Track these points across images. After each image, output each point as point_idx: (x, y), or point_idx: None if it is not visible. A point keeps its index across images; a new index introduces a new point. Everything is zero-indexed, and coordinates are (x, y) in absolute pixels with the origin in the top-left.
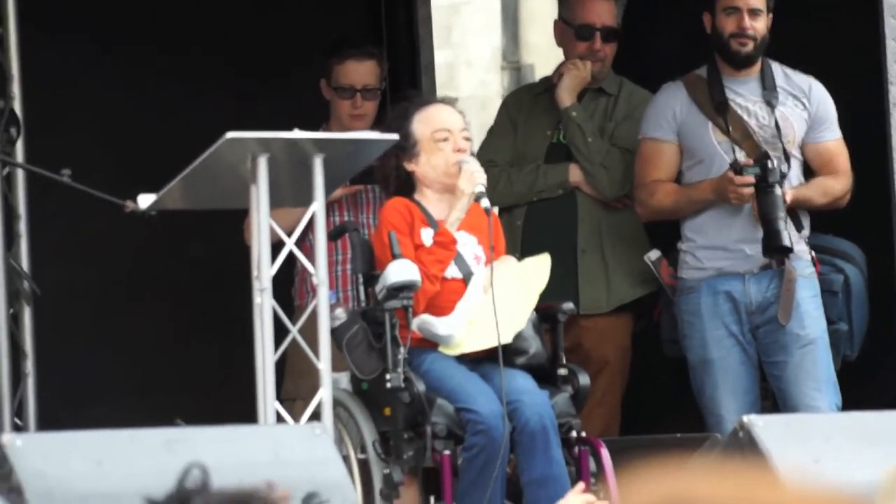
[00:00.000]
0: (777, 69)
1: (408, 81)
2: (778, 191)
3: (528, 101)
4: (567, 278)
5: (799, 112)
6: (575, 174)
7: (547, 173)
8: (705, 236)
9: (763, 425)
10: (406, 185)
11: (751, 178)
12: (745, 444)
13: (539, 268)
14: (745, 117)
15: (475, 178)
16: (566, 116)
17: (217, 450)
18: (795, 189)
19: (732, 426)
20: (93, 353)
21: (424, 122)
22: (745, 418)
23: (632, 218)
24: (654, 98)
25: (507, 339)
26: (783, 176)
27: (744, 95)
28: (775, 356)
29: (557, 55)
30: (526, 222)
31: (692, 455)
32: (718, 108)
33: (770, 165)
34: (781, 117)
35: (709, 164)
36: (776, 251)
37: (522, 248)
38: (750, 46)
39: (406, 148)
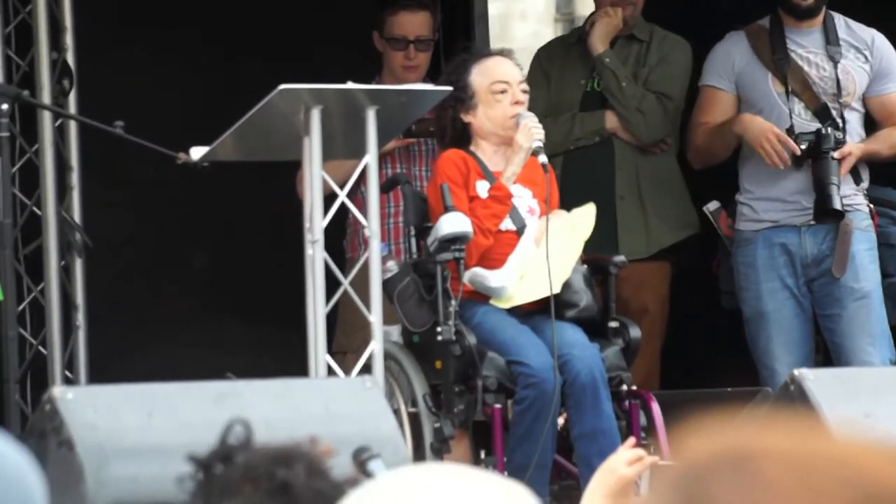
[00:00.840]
0: (840, 20)
1: (461, 33)
2: (832, 157)
3: (560, 52)
4: (606, 225)
5: (860, 65)
6: (611, 120)
7: (583, 121)
8: (762, 187)
9: (814, 379)
10: (462, 137)
11: (783, 151)
12: (795, 398)
13: (585, 217)
14: (806, 68)
15: (533, 133)
16: (600, 63)
17: (267, 403)
18: (864, 143)
19: (784, 380)
20: (144, 305)
21: (483, 74)
22: (797, 372)
23: (669, 163)
24: (715, 47)
25: (556, 289)
26: (838, 142)
27: (806, 47)
28: (829, 309)
29: None
30: (563, 171)
31: (742, 409)
32: (778, 60)
33: (824, 132)
34: (843, 70)
35: (767, 115)
36: (827, 215)
37: (561, 197)
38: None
39: (464, 99)
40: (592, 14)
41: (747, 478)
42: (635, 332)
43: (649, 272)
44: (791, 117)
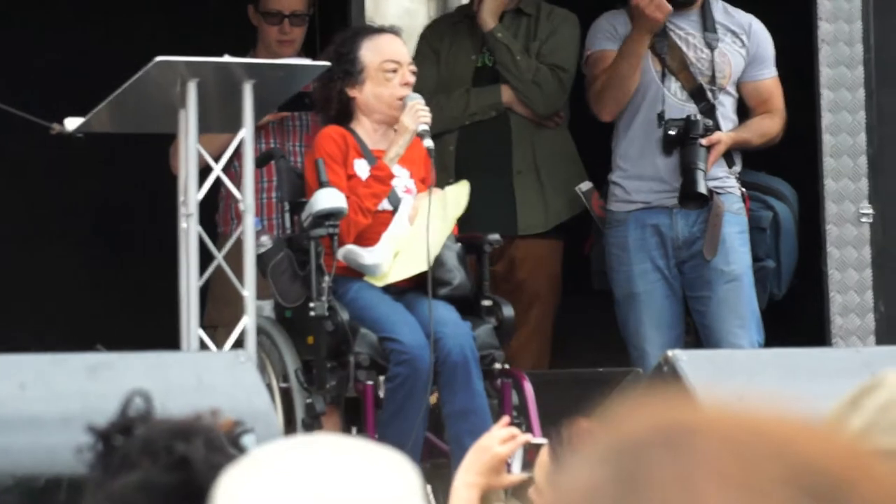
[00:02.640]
0: (717, 5)
1: (335, 9)
2: (700, 143)
3: (448, 30)
4: (504, 200)
5: (737, 49)
6: (507, 94)
7: (478, 96)
8: (634, 166)
9: (687, 360)
10: (344, 112)
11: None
12: (668, 379)
13: (458, 194)
14: (684, 48)
15: (420, 116)
16: (492, 38)
17: (140, 376)
18: (734, 132)
19: (656, 361)
20: (15, 277)
21: (374, 51)
22: (670, 353)
23: (565, 137)
24: (595, 22)
25: (426, 266)
26: (707, 129)
27: (684, 28)
28: (699, 291)
29: None
30: (459, 146)
31: (613, 389)
32: (658, 39)
33: (693, 118)
34: (719, 53)
35: (643, 91)
36: (691, 198)
37: (457, 172)
38: None
39: (352, 73)
40: None
41: (682, 453)
42: (508, 310)
43: (545, 251)
44: (664, 98)
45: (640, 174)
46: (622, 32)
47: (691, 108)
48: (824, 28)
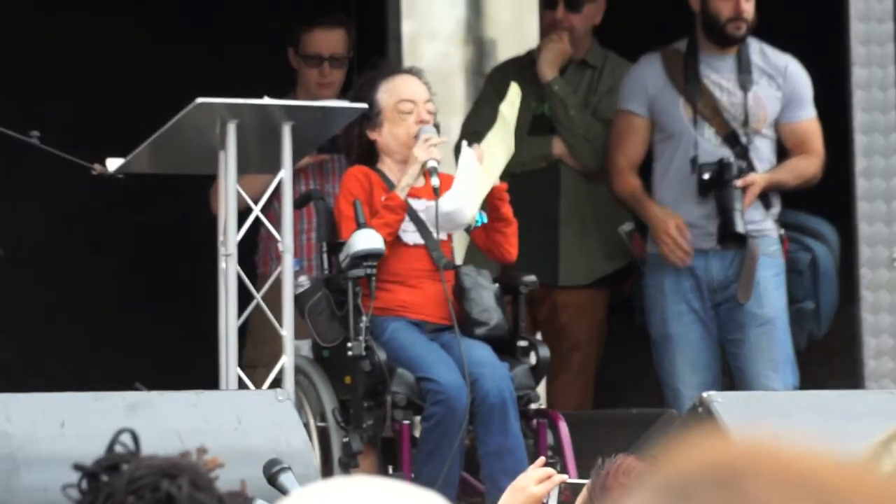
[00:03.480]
0: (754, 46)
1: (375, 51)
2: (735, 185)
3: (513, 74)
4: (548, 250)
5: (773, 92)
6: (558, 147)
7: (530, 145)
8: (671, 210)
9: (722, 401)
10: (368, 154)
11: (682, 242)
12: (704, 420)
13: (512, 100)
14: (717, 93)
15: (431, 150)
16: (548, 90)
17: (179, 415)
18: (769, 173)
19: (690, 401)
20: (54, 315)
21: (389, 93)
22: (705, 394)
23: None
24: (630, 69)
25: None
26: (741, 171)
27: (719, 72)
28: (733, 334)
29: (521, 29)
30: (509, 194)
31: (647, 430)
32: (690, 85)
33: (726, 161)
34: (754, 97)
35: (677, 140)
36: (730, 238)
37: None
38: (744, 29)
39: (370, 117)
40: (544, 39)
41: (731, 494)
42: (544, 351)
43: (588, 298)
44: (697, 145)
45: (685, 221)
46: (652, 91)
47: (725, 153)
48: (858, 73)
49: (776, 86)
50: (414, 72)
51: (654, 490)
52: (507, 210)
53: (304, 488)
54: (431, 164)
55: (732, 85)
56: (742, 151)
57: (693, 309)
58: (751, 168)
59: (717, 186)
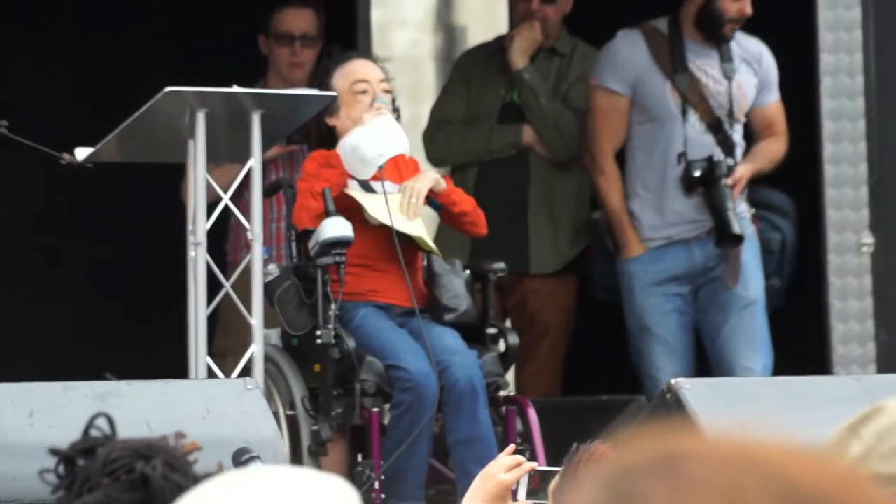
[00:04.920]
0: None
1: (344, 40)
2: (724, 183)
3: (482, 61)
4: (518, 238)
5: (751, 79)
6: (528, 135)
7: (500, 133)
8: (654, 200)
9: (690, 388)
10: (328, 140)
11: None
12: (672, 407)
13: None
14: (703, 80)
15: (379, 112)
16: (519, 78)
17: (148, 404)
18: (751, 164)
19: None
20: (24, 305)
21: (344, 77)
22: (673, 381)
23: (583, 180)
24: (611, 44)
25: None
26: (730, 169)
27: (703, 59)
28: (714, 315)
29: (492, 16)
30: (477, 182)
31: (617, 417)
32: (678, 70)
33: (717, 159)
34: (736, 86)
35: (661, 124)
36: (728, 240)
37: None
38: (738, 26)
39: (328, 104)
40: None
41: (675, 476)
42: (513, 338)
43: (557, 286)
44: (686, 137)
45: (661, 208)
46: (638, 71)
47: (709, 141)
48: (825, 59)
49: (753, 72)
50: (367, 57)
51: (601, 481)
52: (462, 205)
53: (222, 476)
54: (381, 100)
55: (717, 73)
56: (724, 139)
57: (670, 298)
58: (733, 163)
59: (705, 184)
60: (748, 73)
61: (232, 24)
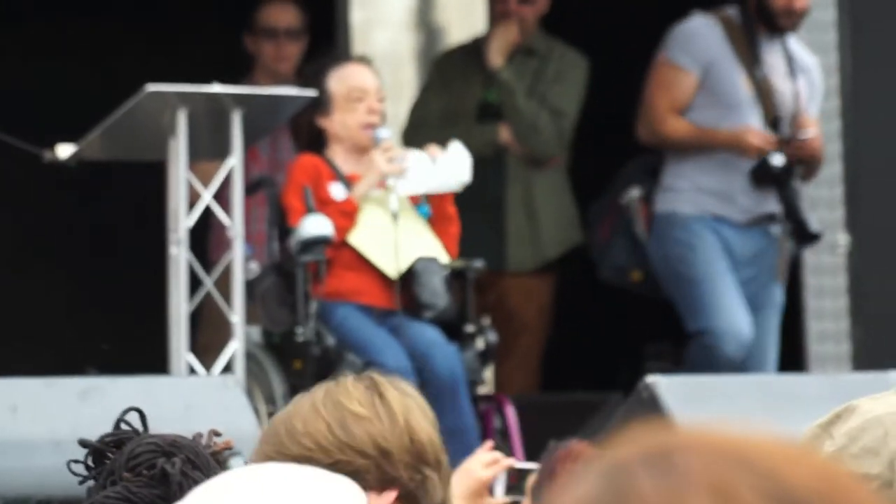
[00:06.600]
0: (791, 39)
1: (324, 38)
2: (795, 181)
3: (459, 61)
4: (495, 236)
5: (805, 86)
6: (505, 134)
7: (477, 133)
8: (712, 178)
9: (667, 385)
10: (317, 140)
11: (772, 138)
12: (647, 404)
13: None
14: (772, 76)
15: (393, 165)
16: (497, 78)
17: (130, 399)
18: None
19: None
20: (4, 300)
21: (341, 81)
22: (649, 378)
23: (560, 178)
24: (685, 24)
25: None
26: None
27: (772, 56)
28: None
29: (471, 16)
30: None
31: (593, 413)
32: (755, 61)
33: (790, 163)
34: (798, 88)
35: (727, 112)
36: (807, 239)
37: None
38: (796, 22)
39: (320, 104)
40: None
41: (666, 471)
42: (493, 336)
43: (534, 284)
44: (754, 121)
45: (716, 190)
46: (712, 54)
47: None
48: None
49: (808, 80)
50: (365, 61)
51: (593, 476)
52: (451, 208)
53: (231, 472)
54: (390, 181)
55: (784, 72)
56: (781, 138)
57: (725, 263)
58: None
59: (778, 184)
60: (804, 81)
61: (215, 20)
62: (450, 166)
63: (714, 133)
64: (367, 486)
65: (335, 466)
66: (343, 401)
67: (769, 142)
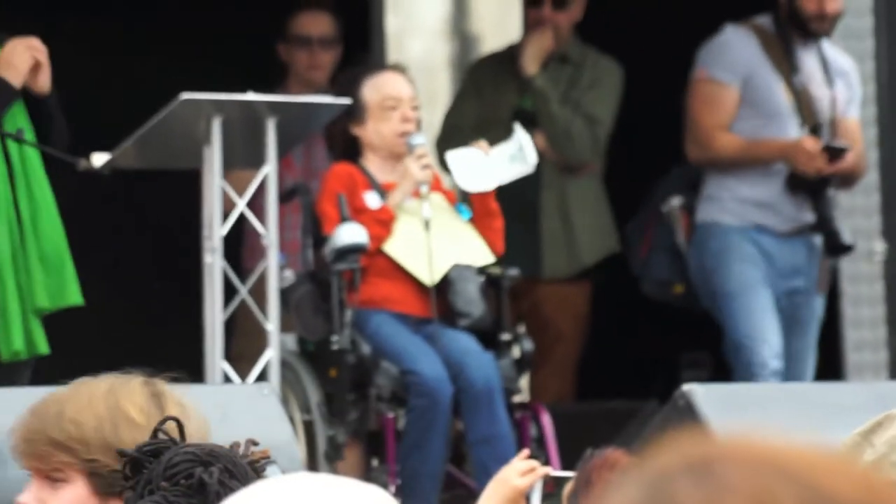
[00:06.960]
0: (826, 44)
1: (358, 46)
2: (830, 191)
3: (494, 68)
4: (531, 244)
5: (844, 91)
6: (539, 141)
7: None
8: (753, 188)
9: (703, 393)
10: (352, 149)
11: (819, 146)
12: (684, 412)
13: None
14: (810, 84)
15: (427, 172)
16: (531, 85)
17: None
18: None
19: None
20: None
21: (375, 89)
22: (686, 387)
23: (595, 185)
24: (719, 37)
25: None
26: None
27: (808, 63)
28: (788, 325)
29: (506, 23)
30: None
31: (629, 422)
32: (792, 69)
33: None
34: (835, 94)
35: (768, 121)
36: (839, 250)
37: None
38: (828, 26)
39: (355, 112)
40: (526, 34)
41: (707, 480)
42: (528, 345)
43: (570, 291)
44: (793, 131)
45: (758, 200)
46: (749, 66)
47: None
48: None
49: (843, 85)
50: (399, 69)
51: (636, 484)
52: (494, 203)
53: (267, 480)
54: (424, 189)
55: (820, 78)
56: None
57: (761, 275)
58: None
59: (813, 192)
60: (842, 85)
61: (248, 30)
62: (509, 153)
63: (767, 144)
64: (111, 491)
65: (90, 463)
66: (123, 403)
67: (819, 150)
